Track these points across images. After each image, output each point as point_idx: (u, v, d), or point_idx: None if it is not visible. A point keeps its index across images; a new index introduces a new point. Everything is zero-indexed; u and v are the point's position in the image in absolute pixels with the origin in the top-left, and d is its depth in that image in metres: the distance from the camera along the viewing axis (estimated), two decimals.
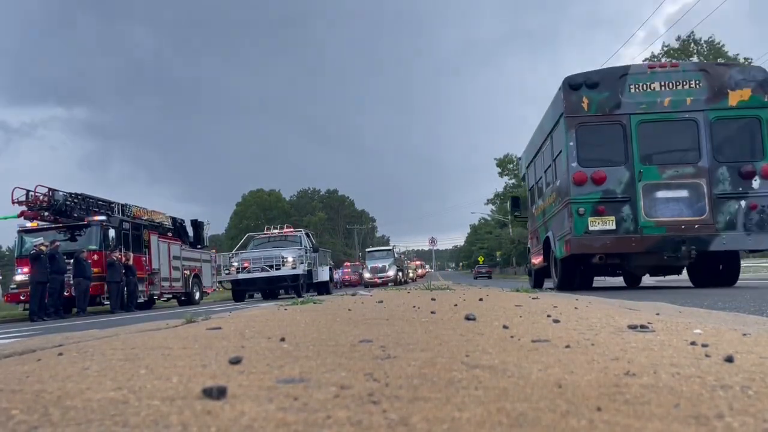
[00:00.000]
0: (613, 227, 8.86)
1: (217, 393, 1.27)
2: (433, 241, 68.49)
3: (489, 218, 77.72)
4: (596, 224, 8.90)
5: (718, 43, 48.57)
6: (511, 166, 68.04)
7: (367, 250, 48.42)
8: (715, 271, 9.65)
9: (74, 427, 1.09)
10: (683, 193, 8.86)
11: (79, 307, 16.22)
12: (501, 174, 69.21)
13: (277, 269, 20.52)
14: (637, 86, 9.12)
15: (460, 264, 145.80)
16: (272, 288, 21.78)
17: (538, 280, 12.75)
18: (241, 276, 20.65)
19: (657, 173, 8.91)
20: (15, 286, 17.64)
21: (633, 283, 12.62)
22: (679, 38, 49.60)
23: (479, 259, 73.88)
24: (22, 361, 2.08)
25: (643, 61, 51.06)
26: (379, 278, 37.14)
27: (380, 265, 38.27)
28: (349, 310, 4.42)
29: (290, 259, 20.67)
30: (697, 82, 9.08)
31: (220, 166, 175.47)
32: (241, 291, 21.36)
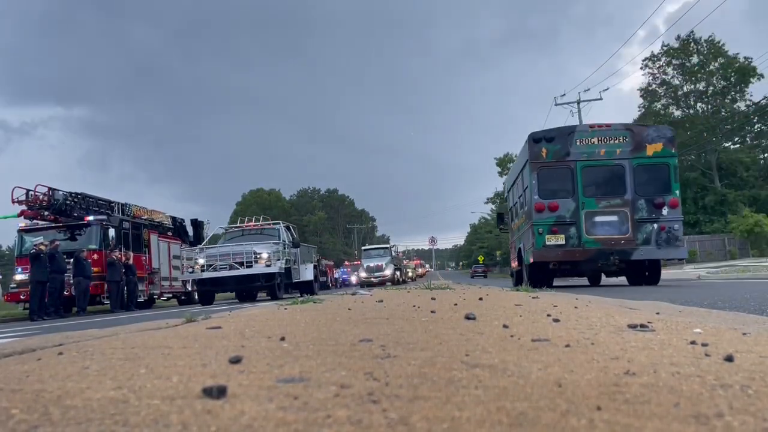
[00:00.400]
0: (563, 242, 11.85)
1: (217, 392, 1.27)
2: (433, 241, 68.44)
3: (489, 217, 77.70)
4: (551, 240, 11.87)
5: (718, 42, 48.50)
6: (511, 165, 67.93)
7: (363, 248, 45.11)
8: (643, 274, 12.55)
9: (74, 426, 1.09)
10: (613, 218, 11.84)
11: (79, 307, 16.23)
12: (501, 173, 69.11)
13: (248, 267, 17.55)
14: (581, 140, 12.16)
15: (460, 263, 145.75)
16: (243, 289, 19.11)
17: (518, 279, 15.58)
18: (206, 275, 17.66)
19: (595, 203, 11.93)
20: (15, 285, 17.66)
21: (595, 282, 15.56)
22: (678, 37, 49.56)
23: (479, 258, 73.84)
24: (22, 361, 2.08)
25: (643, 61, 51.43)
26: (375, 278, 34.69)
27: (377, 264, 35.79)
28: (349, 309, 4.42)
29: (264, 255, 17.71)
30: (624, 138, 12.10)
31: (221, 166, 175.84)
32: (208, 292, 18.45)
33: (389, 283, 32.47)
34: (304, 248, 22.70)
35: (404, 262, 53.64)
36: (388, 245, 44.06)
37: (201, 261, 17.95)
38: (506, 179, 19.10)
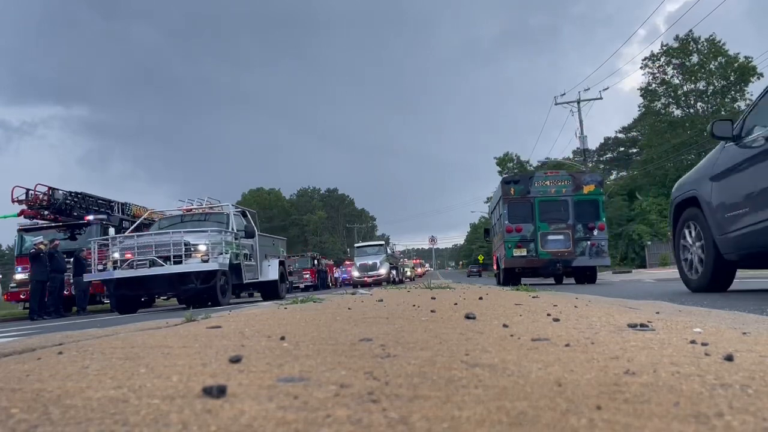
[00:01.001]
0: (525, 254, 16.41)
1: (217, 392, 1.27)
2: (433, 240, 68.56)
3: (489, 217, 77.67)
4: (517, 252, 16.44)
5: (718, 42, 48.50)
6: (511, 164, 68.00)
7: (356, 245, 40.32)
8: (584, 276, 16.81)
9: (74, 425, 1.09)
10: (560, 237, 16.35)
11: (79, 306, 16.26)
12: (501, 173, 69.15)
13: (177, 262, 12.91)
14: (538, 183, 16.77)
15: (460, 263, 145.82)
16: (172, 291, 14.87)
17: (498, 280, 19.70)
18: (119, 273, 12.89)
19: (547, 227, 16.42)
20: (15, 284, 17.70)
21: (558, 281, 19.28)
22: (677, 37, 49.56)
23: (479, 258, 73.87)
24: (21, 360, 2.08)
25: (642, 60, 51.70)
26: (369, 277, 32.37)
27: (370, 263, 33.40)
28: (349, 308, 4.42)
29: (201, 248, 13.15)
30: (568, 181, 16.74)
31: (221, 165, 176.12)
32: (125, 297, 13.75)
33: (385, 283, 31.14)
34: (266, 240, 17.77)
35: (402, 260, 53.16)
36: (382, 242, 41.27)
37: (115, 255, 13.29)
38: (489, 205, 25.78)
